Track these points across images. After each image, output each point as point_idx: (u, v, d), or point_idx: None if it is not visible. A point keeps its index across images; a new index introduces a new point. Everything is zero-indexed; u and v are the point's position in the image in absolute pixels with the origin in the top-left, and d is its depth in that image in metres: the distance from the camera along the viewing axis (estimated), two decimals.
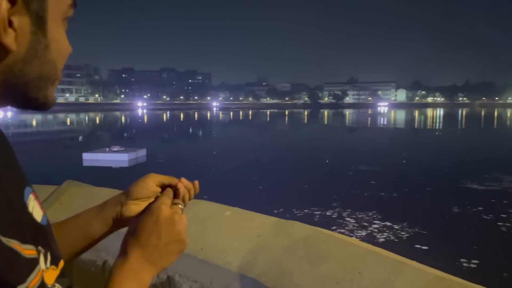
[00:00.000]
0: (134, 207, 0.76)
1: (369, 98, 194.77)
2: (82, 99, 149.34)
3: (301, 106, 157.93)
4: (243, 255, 1.64)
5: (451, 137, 34.89)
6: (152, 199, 0.75)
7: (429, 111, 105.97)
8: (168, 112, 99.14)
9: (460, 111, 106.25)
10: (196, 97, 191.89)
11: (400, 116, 79.04)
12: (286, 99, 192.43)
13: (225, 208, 1.95)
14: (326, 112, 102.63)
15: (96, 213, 0.78)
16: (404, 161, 19.07)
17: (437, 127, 49.54)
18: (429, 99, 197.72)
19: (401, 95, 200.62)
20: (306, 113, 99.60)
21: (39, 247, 0.53)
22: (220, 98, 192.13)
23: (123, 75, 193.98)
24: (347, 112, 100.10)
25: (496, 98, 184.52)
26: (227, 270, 1.60)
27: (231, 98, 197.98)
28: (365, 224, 9.30)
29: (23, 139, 30.55)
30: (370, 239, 8.15)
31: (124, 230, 0.72)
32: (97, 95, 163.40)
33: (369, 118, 68.34)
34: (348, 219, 9.66)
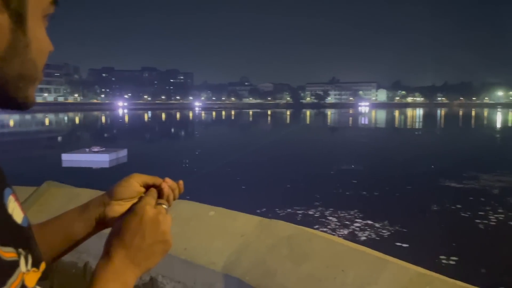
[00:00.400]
0: (118, 208, 0.75)
1: (351, 98, 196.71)
2: (61, 99, 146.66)
3: (283, 106, 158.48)
4: (227, 255, 1.63)
5: (430, 136, 35.53)
6: (136, 200, 0.73)
7: (409, 111, 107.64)
8: (149, 112, 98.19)
9: (439, 111, 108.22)
10: (178, 97, 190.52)
11: (381, 116, 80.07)
12: (269, 99, 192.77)
13: (209, 208, 1.94)
14: (308, 112, 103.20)
15: (79, 214, 0.76)
16: (385, 160, 19.32)
17: (416, 127, 50.36)
18: (409, 99, 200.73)
19: (382, 95, 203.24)
20: (288, 113, 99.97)
21: (20, 249, 0.52)
22: (203, 98, 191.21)
23: (103, 75, 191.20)
24: (329, 112, 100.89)
25: (474, 98, 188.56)
26: (210, 270, 1.59)
27: (214, 98, 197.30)
28: (347, 222, 9.39)
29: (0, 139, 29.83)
30: (352, 237, 8.23)
31: (107, 231, 0.71)
32: (76, 95, 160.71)
33: (351, 118, 69.01)
34: (330, 218, 9.74)
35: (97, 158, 18.38)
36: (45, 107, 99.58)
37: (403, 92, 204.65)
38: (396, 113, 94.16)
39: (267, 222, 1.77)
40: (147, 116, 79.35)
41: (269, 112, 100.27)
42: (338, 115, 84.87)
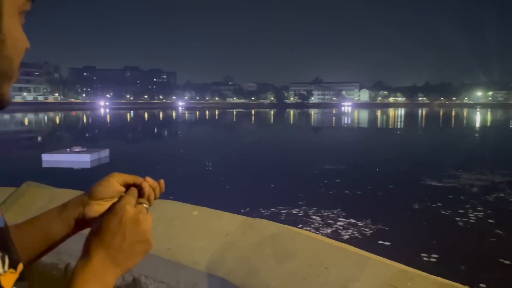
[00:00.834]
0: (97, 208, 0.74)
1: (334, 98, 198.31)
2: (41, 98, 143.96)
3: (267, 105, 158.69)
4: (210, 254, 1.63)
5: (412, 136, 36.04)
6: (116, 199, 0.72)
7: (391, 111, 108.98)
8: (132, 111, 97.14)
9: (420, 111, 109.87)
10: (161, 97, 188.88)
11: (364, 115, 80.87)
12: (253, 98, 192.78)
13: (192, 207, 1.93)
14: (292, 112, 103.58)
15: (57, 214, 0.75)
16: (368, 160, 19.52)
17: (398, 127, 51.05)
18: (391, 99, 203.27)
19: (364, 95, 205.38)
20: (272, 112, 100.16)
21: None
22: (186, 98, 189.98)
23: (85, 74, 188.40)
24: (312, 112, 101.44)
25: (454, 98, 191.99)
26: (194, 270, 1.58)
27: (197, 98, 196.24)
28: (330, 221, 9.45)
29: None
30: (335, 236, 8.29)
31: (88, 232, 0.70)
32: (56, 94, 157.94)
33: (334, 118, 69.52)
34: (314, 217, 9.79)
35: (78, 159, 18.11)
36: (24, 107, 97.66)
37: (385, 92, 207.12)
38: (379, 113, 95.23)
39: (251, 221, 1.77)
40: (129, 115, 78.50)
41: (253, 112, 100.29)
42: (321, 115, 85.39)
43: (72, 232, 0.76)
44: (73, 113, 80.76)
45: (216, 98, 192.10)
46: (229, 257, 1.61)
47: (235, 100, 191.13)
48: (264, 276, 1.47)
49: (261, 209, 10.08)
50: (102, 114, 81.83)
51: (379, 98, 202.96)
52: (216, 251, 1.65)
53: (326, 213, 10.02)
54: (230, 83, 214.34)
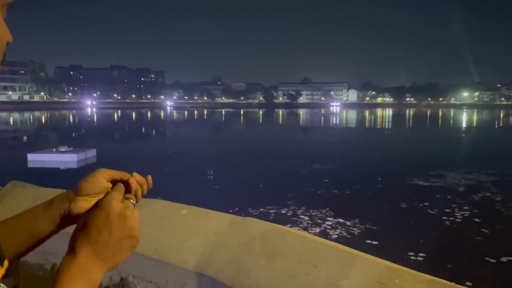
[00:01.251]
0: (84, 204, 0.73)
1: (322, 98, 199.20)
2: (26, 97, 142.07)
3: (256, 105, 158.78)
4: (199, 253, 1.62)
5: (399, 136, 36.39)
6: (102, 195, 0.71)
7: (379, 111, 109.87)
8: (119, 111, 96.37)
9: (407, 111, 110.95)
10: (149, 96, 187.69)
11: (352, 115, 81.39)
12: (241, 98, 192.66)
13: (181, 206, 1.91)
14: (280, 112, 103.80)
15: (42, 211, 0.74)
16: (356, 160, 19.66)
17: (386, 127, 51.48)
18: (379, 99, 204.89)
19: (353, 95, 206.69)
20: (261, 112, 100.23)
21: None
22: (174, 97, 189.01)
23: (71, 73, 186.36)
24: (301, 112, 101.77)
25: (441, 99, 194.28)
26: (183, 269, 1.57)
27: (186, 97, 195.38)
28: (318, 221, 9.49)
29: None
30: (324, 235, 8.33)
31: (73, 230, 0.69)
32: (42, 93, 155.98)
33: (322, 118, 69.85)
34: (302, 216, 9.82)
35: (64, 158, 17.92)
36: (9, 106, 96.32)
37: (373, 92, 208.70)
38: (367, 113, 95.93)
39: (240, 220, 1.76)
40: (117, 115, 77.87)
41: (242, 112, 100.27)
42: (310, 114, 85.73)
43: (58, 229, 0.75)
44: (56, 113, 79.77)
45: (205, 98, 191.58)
46: (218, 256, 1.60)
47: (224, 100, 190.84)
48: (253, 275, 1.46)
49: (249, 209, 10.08)
50: (89, 114, 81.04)
51: (367, 98, 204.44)
52: (205, 250, 1.64)
53: (314, 213, 10.06)
54: (219, 82, 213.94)
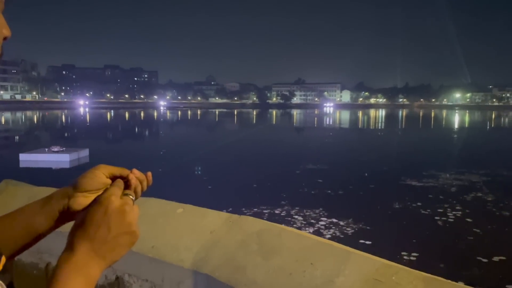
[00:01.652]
0: (83, 200, 0.72)
1: (316, 99, 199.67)
2: (18, 97, 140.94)
3: (250, 106, 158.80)
4: (195, 252, 1.61)
5: (392, 136, 36.59)
6: (101, 192, 0.71)
7: (372, 112, 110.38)
8: (112, 111, 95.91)
9: (400, 112, 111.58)
10: (142, 96, 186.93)
11: (345, 116, 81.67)
12: (235, 98, 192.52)
13: (177, 205, 1.91)
14: (274, 112, 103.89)
15: (41, 207, 0.73)
16: (349, 160, 19.73)
17: (379, 127, 51.72)
18: (372, 100, 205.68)
19: (346, 96, 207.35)
20: (255, 113, 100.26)
21: None
22: (168, 97, 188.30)
23: (64, 72, 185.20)
24: (295, 112, 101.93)
25: (433, 100, 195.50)
26: (179, 267, 1.57)
27: (179, 97, 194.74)
28: (312, 221, 9.51)
29: None
30: (318, 235, 8.33)
31: (69, 229, 0.69)
32: (34, 93, 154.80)
33: (316, 118, 70.03)
34: (296, 216, 9.84)
35: (57, 158, 17.80)
36: (1, 106, 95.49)
37: (366, 93, 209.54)
38: (360, 113, 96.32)
39: (236, 218, 1.76)
40: (110, 115, 77.48)
41: (235, 112, 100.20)
42: (304, 115, 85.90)
43: (56, 225, 0.74)
44: (46, 113, 79.12)
45: (199, 98, 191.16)
46: (214, 254, 1.60)
47: (218, 100, 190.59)
48: (250, 273, 1.46)
49: (243, 209, 10.08)
50: (82, 113, 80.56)
51: (361, 99, 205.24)
52: (201, 249, 1.64)
53: (308, 213, 10.09)
54: (212, 82, 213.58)
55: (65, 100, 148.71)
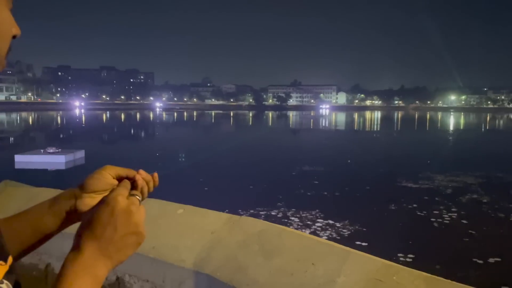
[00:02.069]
0: (89, 201, 0.73)
1: (312, 101, 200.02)
2: (13, 98, 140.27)
3: (246, 107, 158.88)
4: (197, 252, 1.62)
5: (388, 138, 36.70)
6: (108, 192, 0.71)
7: (368, 114, 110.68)
8: (108, 112, 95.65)
9: (396, 114, 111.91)
10: (138, 97, 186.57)
11: (341, 118, 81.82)
12: (231, 100, 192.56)
13: (177, 206, 1.91)
14: (270, 114, 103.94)
15: (48, 207, 0.74)
16: (345, 162, 19.77)
17: (375, 129, 51.87)
18: (368, 102, 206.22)
19: (342, 98, 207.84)
20: (251, 114, 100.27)
21: None
22: (164, 99, 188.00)
23: (59, 73, 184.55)
24: (291, 114, 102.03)
25: (428, 102, 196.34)
26: (180, 268, 1.57)
27: (175, 99, 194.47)
28: (309, 222, 9.52)
29: None
30: None
31: (69, 230, 0.69)
32: (30, 94, 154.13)
33: (312, 120, 70.12)
34: (292, 218, 9.85)
35: (52, 160, 17.72)
36: None
37: (362, 95, 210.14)
38: (356, 115, 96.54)
39: (236, 219, 1.77)
40: (105, 116, 77.24)
41: (231, 114, 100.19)
42: (300, 117, 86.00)
43: (63, 226, 0.75)
44: (34, 115, 78.54)
45: (195, 99, 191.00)
46: (215, 255, 1.60)
47: (214, 101, 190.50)
48: (251, 273, 1.47)
49: (240, 210, 10.07)
50: (77, 115, 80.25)
51: (356, 101, 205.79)
52: (202, 249, 1.64)
53: (304, 214, 10.10)
54: (208, 84, 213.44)
55: (61, 101, 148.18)
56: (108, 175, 0.74)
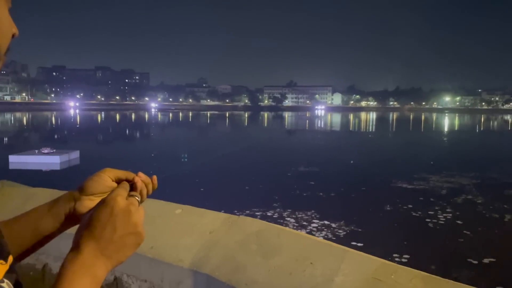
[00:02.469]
0: (89, 203, 0.73)
1: (307, 101, 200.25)
2: (7, 98, 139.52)
3: (241, 108, 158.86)
4: (195, 252, 1.62)
5: (383, 139, 36.83)
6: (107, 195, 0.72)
7: (363, 115, 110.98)
8: (103, 112, 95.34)
9: (391, 115, 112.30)
10: (133, 98, 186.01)
11: (336, 119, 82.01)
12: (227, 101, 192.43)
13: (175, 206, 1.91)
14: (266, 115, 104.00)
15: (48, 209, 0.74)
16: (340, 163, 19.82)
17: (370, 130, 52.04)
18: (363, 103, 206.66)
19: (337, 99, 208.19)
20: (246, 115, 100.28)
21: None
22: (159, 99, 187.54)
23: (54, 73, 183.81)
24: (287, 115, 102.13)
25: (423, 103, 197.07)
26: (178, 267, 1.58)
27: (171, 99, 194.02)
28: (304, 223, 9.54)
29: None
30: None
31: (68, 231, 0.69)
32: (24, 94, 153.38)
33: (307, 121, 70.23)
34: (288, 218, 9.87)
35: (47, 160, 17.64)
36: None
37: (357, 96, 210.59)
38: (351, 116, 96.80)
39: (234, 219, 1.78)
40: (100, 117, 76.98)
41: (227, 114, 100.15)
42: (295, 118, 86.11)
43: (63, 228, 0.75)
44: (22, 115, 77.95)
45: (190, 100, 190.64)
46: (214, 254, 1.61)
47: (209, 102, 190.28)
48: (250, 272, 1.48)
49: (236, 211, 10.07)
50: (72, 115, 79.92)
51: (352, 102, 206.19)
52: (200, 249, 1.65)
53: (300, 215, 10.11)
54: (204, 85, 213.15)
55: (55, 101, 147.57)
56: (107, 178, 0.75)
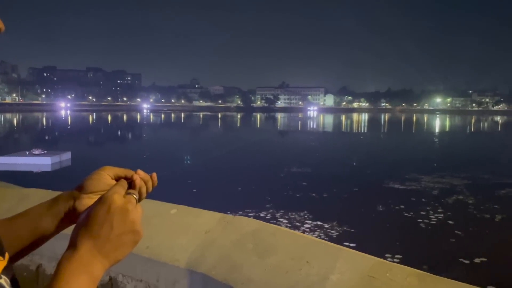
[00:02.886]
0: (88, 201, 0.73)
1: (300, 103, 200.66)
2: None
3: (234, 109, 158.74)
4: (191, 251, 1.62)
5: (375, 140, 37.01)
6: None
7: (355, 116, 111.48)
8: (94, 113, 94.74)
9: (383, 116, 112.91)
10: (125, 99, 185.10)
11: (329, 120, 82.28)
12: (219, 102, 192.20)
13: (171, 206, 1.91)
14: (258, 116, 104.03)
15: (47, 208, 0.74)
16: (333, 163, 19.89)
17: (362, 131, 52.28)
18: (355, 104, 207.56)
19: (329, 100, 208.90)
20: (239, 116, 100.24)
21: None
22: (151, 100, 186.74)
23: (45, 74, 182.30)
24: (279, 116, 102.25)
25: (415, 104, 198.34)
26: (174, 267, 1.58)
27: (163, 100, 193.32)
28: (297, 224, 9.56)
29: None
30: None
31: (62, 232, 0.69)
32: (14, 95, 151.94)
33: (300, 122, 70.38)
34: (281, 219, 9.88)
35: (38, 161, 17.48)
36: None
37: (350, 97, 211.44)
38: (343, 117, 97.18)
39: (230, 219, 1.78)
40: (92, 118, 76.48)
41: (219, 115, 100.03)
42: (288, 119, 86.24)
43: (62, 226, 0.75)
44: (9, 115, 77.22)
45: (182, 101, 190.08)
46: (210, 254, 1.61)
47: (202, 103, 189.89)
48: (246, 271, 1.48)
49: (228, 212, 10.04)
50: (63, 116, 79.30)
51: (344, 103, 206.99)
52: (196, 248, 1.65)
53: (293, 216, 10.13)
54: (196, 85, 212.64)
55: (44, 102, 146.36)
56: (106, 176, 0.75)
